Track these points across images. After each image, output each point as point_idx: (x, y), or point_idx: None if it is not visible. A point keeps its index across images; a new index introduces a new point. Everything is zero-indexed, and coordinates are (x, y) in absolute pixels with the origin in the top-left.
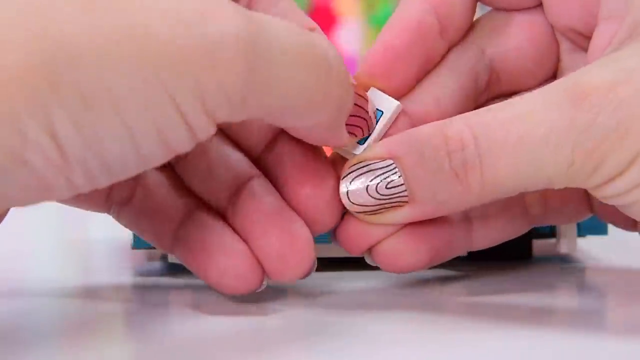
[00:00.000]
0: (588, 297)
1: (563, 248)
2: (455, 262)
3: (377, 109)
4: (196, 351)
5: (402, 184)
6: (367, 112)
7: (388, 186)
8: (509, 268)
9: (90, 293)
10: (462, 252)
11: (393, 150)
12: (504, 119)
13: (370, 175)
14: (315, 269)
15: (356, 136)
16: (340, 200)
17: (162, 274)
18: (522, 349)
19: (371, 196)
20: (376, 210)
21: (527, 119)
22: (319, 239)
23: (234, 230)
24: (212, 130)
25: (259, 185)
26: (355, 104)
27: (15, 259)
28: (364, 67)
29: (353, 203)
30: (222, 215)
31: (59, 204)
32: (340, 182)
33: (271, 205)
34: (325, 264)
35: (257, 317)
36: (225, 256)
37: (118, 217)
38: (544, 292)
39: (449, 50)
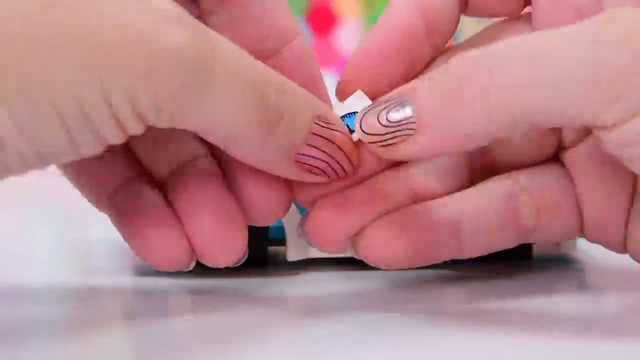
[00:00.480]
0: (588, 298)
1: (563, 248)
2: (455, 262)
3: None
4: (196, 351)
5: (410, 115)
6: (330, 156)
7: (396, 110)
8: (509, 268)
9: (90, 293)
10: (451, 257)
11: (408, 90)
12: (524, 50)
13: (384, 105)
14: (246, 256)
15: (316, 175)
16: (287, 190)
17: (162, 274)
18: (521, 350)
19: (381, 123)
20: (387, 139)
21: (528, 44)
22: None
23: (171, 206)
24: (142, 130)
25: (204, 165)
26: (314, 146)
27: (15, 259)
28: (349, 69)
29: (365, 132)
30: (161, 189)
31: (59, 204)
32: (357, 116)
33: (211, 186)
34: (324, 263)
35: (256, 317)
36: (156, 233)
37: (64, 171)
38: (544, 292)
39: (434, 57)
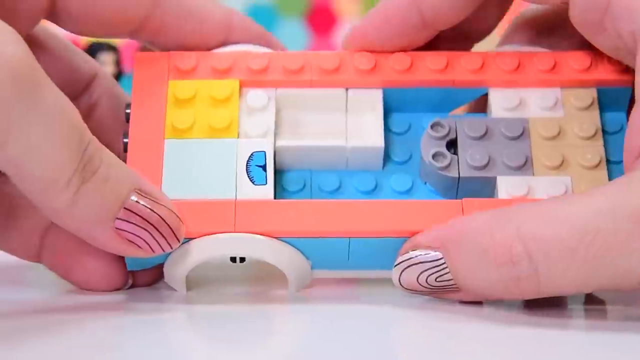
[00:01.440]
0: (587, 297)
1: None
2: None
3: None
4: (194, 349)
5: (451, 279)
6: (154, 226)
7: (438, 279)
8: None
9: (90, 293)
10: None
11: (442, 243)
12: (562, 234)
13: (420, 268)
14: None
15: (140, 248)
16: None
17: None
18: (520, 349)
19: (422, 285)
20: (429, 294)
21: (590, 236)
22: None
23: None
24: None
25: None
26: (134, 212)
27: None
28: (351, 40)
29: (406, 289)
30: None
31: None
32: (394, 268)
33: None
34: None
35: (255, 316)
36: (91, 258)
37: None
38: None
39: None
